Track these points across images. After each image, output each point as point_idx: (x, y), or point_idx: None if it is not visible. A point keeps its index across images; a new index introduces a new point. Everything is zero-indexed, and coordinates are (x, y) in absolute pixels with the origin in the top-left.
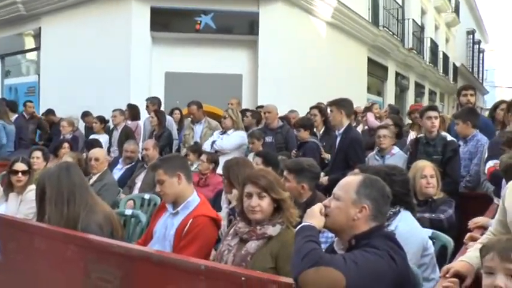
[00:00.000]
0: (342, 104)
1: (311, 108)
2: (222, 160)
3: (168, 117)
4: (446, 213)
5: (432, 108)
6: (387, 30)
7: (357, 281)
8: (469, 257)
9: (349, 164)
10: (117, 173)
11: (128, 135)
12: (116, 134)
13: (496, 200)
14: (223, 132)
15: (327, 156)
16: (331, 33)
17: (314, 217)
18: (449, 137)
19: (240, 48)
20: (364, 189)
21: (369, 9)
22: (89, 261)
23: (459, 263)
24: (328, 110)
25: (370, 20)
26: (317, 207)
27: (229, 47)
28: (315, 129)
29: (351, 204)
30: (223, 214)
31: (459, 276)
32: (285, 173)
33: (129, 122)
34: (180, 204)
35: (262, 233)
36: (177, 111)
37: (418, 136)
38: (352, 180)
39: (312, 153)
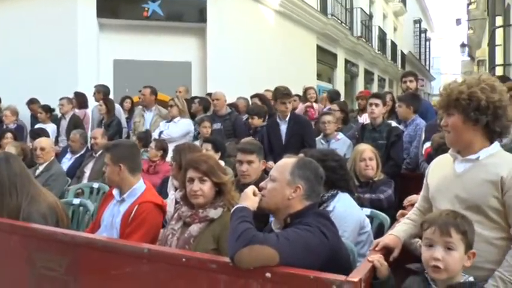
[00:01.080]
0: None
1: (251, 97)
2: (171, 148)
3: (116, 106)
4: (385, 193)
5: (374, 95)
6: (336, 18)
7: (289, 256)
8: (397, 230)
9: (305, 146)
10: (66, 162)
11: (76, 124)
12: (64, 123)
13: None
14: (170, 121)
15: None
16: (280, 22)
17: (247, 199)
18: (393, 123)
19: (188, 36)
20: (298, 170)
21: None
22: (33, 251)
23: (387, 237)
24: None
25: (319, 9)
26: (250, 190)
27: (178, 34)
28: None
29: (285, 185)
30: (169, 200)
31: (388, 248)
32: (247, 156)
33: (76, 111)
34: (126, 191)
35: (205, 216)
36: (128, 100)
37: (365, 123)
38: (286, 162)
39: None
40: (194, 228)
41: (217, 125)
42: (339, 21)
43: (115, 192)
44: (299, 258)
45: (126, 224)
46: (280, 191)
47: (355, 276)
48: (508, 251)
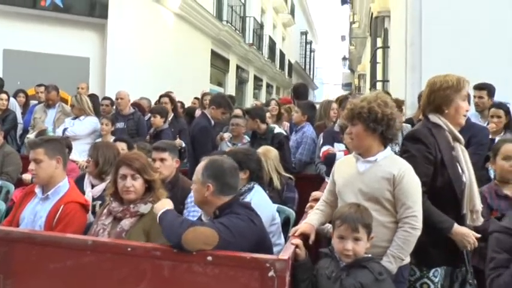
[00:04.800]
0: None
1: (161, 96)
2: (76, 146)
3: (11, 99)
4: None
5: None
6: (230, 25)
7: (226, 238)
8: (310, 219)
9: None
10: None
11: None
12: None
13: (327, 179)
14: (75, 118)
15: (179, 142)
16: (179, 24)
17: (167, 204)
18: (276, 130)
19: (88, 31)
20: (206, 171)
21: (214, 4)
22: None
23: (303, 225)
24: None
25: (215, 15)
26: (166, 200)
27: (77, 28)
28: None
29: (200, 185)
30: (86, 197)
31: (304, 234)
32: (159, 154)
33: None
34: (51, 188)
35: (135, 211)
36: (21, 94)
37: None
38: (200, 165)
39: (166, 137)
40: (126, 223)
41: (120, 124)
42: (233, 28)
43: (37, 189)
44: (233, 241)
45: (51, 223)
46: (199, 191)
47: (285, 255)
48: (396, 233)
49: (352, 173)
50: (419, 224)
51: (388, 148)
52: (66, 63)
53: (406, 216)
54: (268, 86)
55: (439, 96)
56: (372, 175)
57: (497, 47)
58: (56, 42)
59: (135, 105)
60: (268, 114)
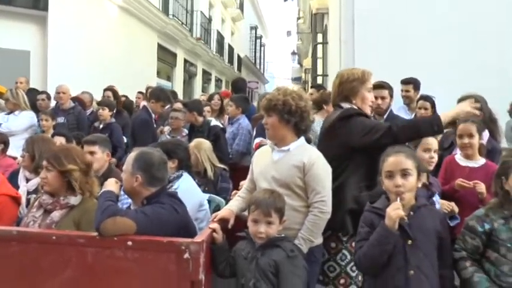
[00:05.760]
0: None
1: (105, 90)
2: (13, 141)
3: None
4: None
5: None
6: (177, 19)
7: (145, 226)
8: (230, 205)
9: None
10: None
11: None
12: None
13: None
14: (10, 113)
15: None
16: (123, 18)
17: (112, 185)
18: (212, 123)
19: (28, 23)
20: (135, 162)
21: None
22: None
23: (223, 211)
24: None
25: (161, 8)
26: (113, 180)
27: (17, 20)
28: None
29: (130, 176)
30: (21, 192)
31: (224, 219)
32: (89, 147)
33: None
34: None
35: (65, 203)
36: None
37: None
38: (130, 156)
39: (118, 132)
40: (56, 215)
41: (60, 119)
42: (180, 22)
43: None
44: (154, 228)
45: None
46: (128, 181)
47: (199, 238)
48: (307, 216)
49: (267, 162)
50: (327, 208)
51: (302, 138)
52: (6, 56)
53: (315, 201)
54: (218, 80)
55: (346, 88)
56: (285, 163)
57: (426, 46)
58: None
59: (76, 99)
60: (207, 108)
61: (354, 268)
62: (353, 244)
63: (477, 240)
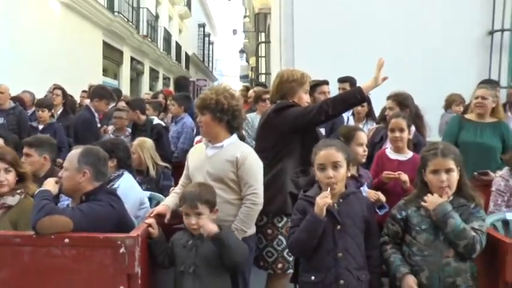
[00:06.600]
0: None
1: (54, 88)
2: None
3: None
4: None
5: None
6: (122, 16)
7: (82, 223)
8: (166, 201)
9: None
10: None
11: None
12: None
13: None
14: None
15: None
16: (66, 14)
17: (49, 185)
18: (155, 121)
19: None
20: (83, 157)
21: None
22: None
23: (160, 206)
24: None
25: (106, 5)
26: (52, 180)
27: None
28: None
29: (75, 172)
30: None
31: (160, 214)
32: (26, 149)
33: None
34: None
35: (2, 203)
36: None
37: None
38: (73, 153)
39: (61, 132)
40: None
41: (0, 119)
42: (126, 19)
43: None
44: (91, 225)
45: None
46: (72, 178)
47: (134, 233)
48: (240, 208)
49: (202, 158)
50: (259, 200)
51: (234, 135)
52: None
53: (248, 194)
54: (165, 78)
55: (285, 87)
56: (218, 158)
57: (364, 44)
58: None
59: (16, 99)
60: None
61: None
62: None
63: (396, 227)
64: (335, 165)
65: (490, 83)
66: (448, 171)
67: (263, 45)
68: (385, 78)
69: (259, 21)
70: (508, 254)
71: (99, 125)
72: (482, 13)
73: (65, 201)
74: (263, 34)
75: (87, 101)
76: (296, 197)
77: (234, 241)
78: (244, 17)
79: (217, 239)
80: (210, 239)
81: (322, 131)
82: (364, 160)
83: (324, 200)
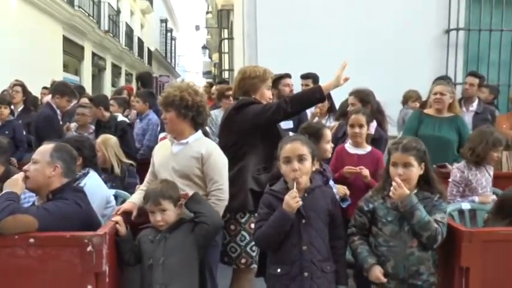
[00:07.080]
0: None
1: (14, 85)
2: None
3: None
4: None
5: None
6: (83, 10)
7: (47, 223)
8: (133, 198)
9: None
10: None
11: None
12: None
13: None
14: None
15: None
16: (22, 7)
17: (14, 185)
18: (119, 118)
19: None
20: (55, 152)
21: None
22: None
23: (126, 204)
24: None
25: None
26: (18, 176)
27: None
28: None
29: (46, 165)
30: None
31: (127, 212)
32: None
33: None
34: None
35: None
36: None
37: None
38: (46, 147)
39: (19, 130)
40: None
41: None
42: (86, 14)
43: None
44: (57, 224)
45: None
46: (41, 171)
47: (101, 231)
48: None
49: (167, 155)
50: (225, 196)
51: (199, 131)
52: None
53: (213, 190)
54: (128, 74)
55: (247, 84)
56: (184, 155)
57: (327, 39)
58: None
59: None
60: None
61: (254, 248)
62: (251, 225)
63: (363, 218)
64: (300, 158)
65: (444, 79)
66: (406, 165)
67: (226, 41)
68: (346, 79)
69: (222, 18)
70: (463, 241)
71: (61, 122)
72: (438, 12)
73: (30, 198)
74: (226, 30)
75: (48, 98)
76: (257, 194)
77: (208, 205)
78: (207, 13)
79: (193, 199)
80: (188, 200)
81: (290, 123)
82: (330, 155)
83: (298, 204)
